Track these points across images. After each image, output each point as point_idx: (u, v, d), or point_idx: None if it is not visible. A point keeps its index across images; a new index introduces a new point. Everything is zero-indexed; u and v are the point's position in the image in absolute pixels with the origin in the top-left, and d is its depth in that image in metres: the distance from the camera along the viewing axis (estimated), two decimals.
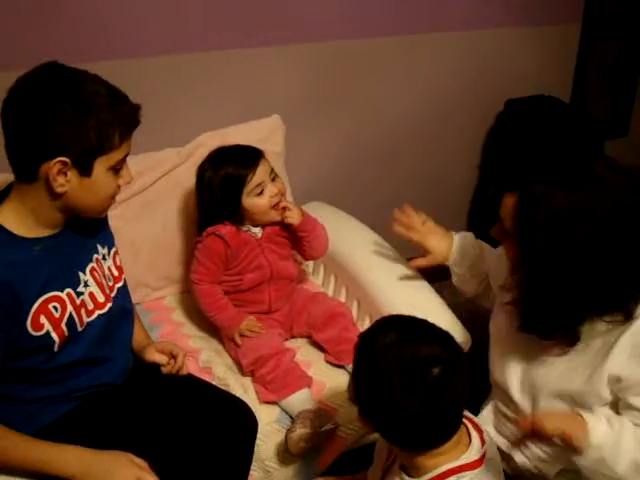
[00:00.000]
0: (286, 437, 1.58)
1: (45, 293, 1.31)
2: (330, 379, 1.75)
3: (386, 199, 2.61)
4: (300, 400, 1.65)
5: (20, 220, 1.30)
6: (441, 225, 1.80)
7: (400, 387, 1.09)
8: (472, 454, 1.16)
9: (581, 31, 2.75)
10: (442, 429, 1.14)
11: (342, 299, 2.01)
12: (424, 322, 1.19)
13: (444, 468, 1.15)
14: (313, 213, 1.97)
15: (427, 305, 1.79)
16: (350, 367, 1.74)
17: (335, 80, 2.32)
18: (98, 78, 1.28)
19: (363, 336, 1.19)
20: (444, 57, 2.50)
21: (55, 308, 1.33)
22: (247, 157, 1.76)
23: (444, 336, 1.17)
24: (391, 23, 2.34)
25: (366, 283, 1.91)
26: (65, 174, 1.25)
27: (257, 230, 1.82)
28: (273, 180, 1.77)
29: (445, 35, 2.46)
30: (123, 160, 1.33)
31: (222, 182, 1.74)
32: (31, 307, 1.29)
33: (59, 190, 1.26)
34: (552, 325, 1.29)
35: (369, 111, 2.44)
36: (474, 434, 1.20)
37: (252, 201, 1.75)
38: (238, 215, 1.77)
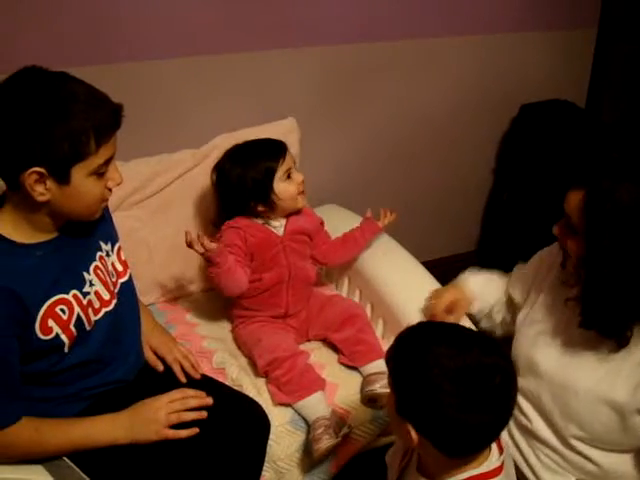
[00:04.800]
0: (313, 448, 1.59)
1: (51, 297, 1.31)
2: (343, 381, 1.76)
3: (400, 202, 2.61)
4: (314, 403, 1.65)
5: (17, 227, 1.29)
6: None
7: (458, 397, 1.04)
8: (492, 462, 1.14)
9: (597, 36, 2.74)
10: (492, 435, 1.11)
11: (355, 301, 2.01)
12: (462, 328, 1.17)
13: (466, 475, 1.13)
14: (327, 216, 1.99)
15: None
16: (364, 369, 1.74)
17: (350, 83, 2.33)
18: (76, 83, 1.25)
19: (405, 349, 1.13)
20: (458, 61, 2.50)
21: (62, 311, 1.33)
22: (274, 150, 1.81)
23: (493, 342, 1.14)
24: (405, 27, 2.34)
25: (380, 286, 1.92)
26: (44, 183, 1.23)
27: (278, 224, 1.83)
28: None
29: (459, 40, 2.46)
30: (105, 164, 1.28)
31: (253, 177, 1.77)
32: (38, 312, 1.29)
33: (40, 199, 1.24)
34: (615, 322, 1.29)
35: (383, 115, 2.44)
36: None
37: (282, 186, 1.78)
38: (268, 203, 1.79)
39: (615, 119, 2.75)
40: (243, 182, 1.77)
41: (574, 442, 1.40)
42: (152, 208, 1.96)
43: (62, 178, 1.24)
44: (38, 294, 1.29)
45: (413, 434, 1.10)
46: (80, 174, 1.25)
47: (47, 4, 1.81)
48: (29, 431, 1.32)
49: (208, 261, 1.69)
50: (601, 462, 1.39)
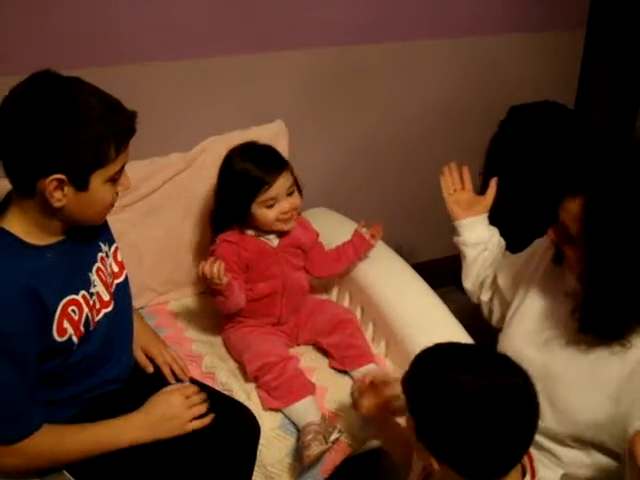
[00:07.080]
0: (303, 454, 1.58)
1: (64, 297, 1.32)
2: (333, 385, 1.75)
3: (389, 204, 2.63)
4: (304, 408, 1.65)
5: (28, 229, 1.29)
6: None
7: (477, 424, 1.01)
8: None
9: (586, 37, 2.75)
10: (515, 458, 1.08)
11: (345, 305, 2.01)
12: (476, 349, 1.14)
13: None
14: (317, 219, 1.98)
15: (432, 313, 1.80)
16: (354, 372, 1.75)
17: (339, 86, 2.32)
18: (92, 89, 1.25)
19: (420, 376, 1.09)
20: (448, 63, 2.50)
21: (74, 311, 1.34)
22: (271, 162, 1.74)
23: (513, 364, 1.09)
24: (394, 29, 2.34)
25: (370, 290, 1.91)
26: (62, 189, 1.23)
27: (272, 237, 1.81)
28: (290, 195, 1.75)
29: (448, 41, 2.46)
30: (121, 170, 1.30)
31: (239, 176, 1.73)
32: (55, 313, 1.29)
33: (57, 205, 1.24)
34: (616, 326, 1.30)
35: (371, 117, 2.44)
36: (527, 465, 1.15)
37: (260, 211, 1.73)
38: (245, 220, 1.76)
39: (604, 120, 2.75)
40: (231, 176, 1.75)
41: (563, 437, 1.40)
42: (141, 211, 1.95)
43: (81, 185, 1.24)
44: (54, 295, 1.29)
45: (433, 462, 1.07)
46: (98, 180, 1.26)
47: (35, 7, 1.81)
48: (52, 438, 1.32)
49: (215, 292, 1.68)
50: (587, 461, 1.40)
